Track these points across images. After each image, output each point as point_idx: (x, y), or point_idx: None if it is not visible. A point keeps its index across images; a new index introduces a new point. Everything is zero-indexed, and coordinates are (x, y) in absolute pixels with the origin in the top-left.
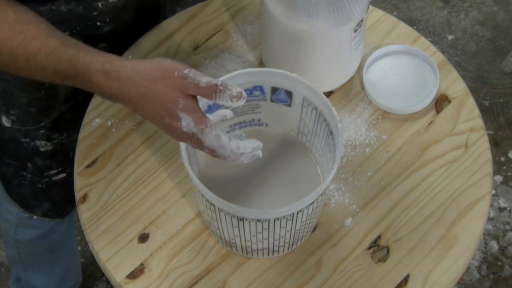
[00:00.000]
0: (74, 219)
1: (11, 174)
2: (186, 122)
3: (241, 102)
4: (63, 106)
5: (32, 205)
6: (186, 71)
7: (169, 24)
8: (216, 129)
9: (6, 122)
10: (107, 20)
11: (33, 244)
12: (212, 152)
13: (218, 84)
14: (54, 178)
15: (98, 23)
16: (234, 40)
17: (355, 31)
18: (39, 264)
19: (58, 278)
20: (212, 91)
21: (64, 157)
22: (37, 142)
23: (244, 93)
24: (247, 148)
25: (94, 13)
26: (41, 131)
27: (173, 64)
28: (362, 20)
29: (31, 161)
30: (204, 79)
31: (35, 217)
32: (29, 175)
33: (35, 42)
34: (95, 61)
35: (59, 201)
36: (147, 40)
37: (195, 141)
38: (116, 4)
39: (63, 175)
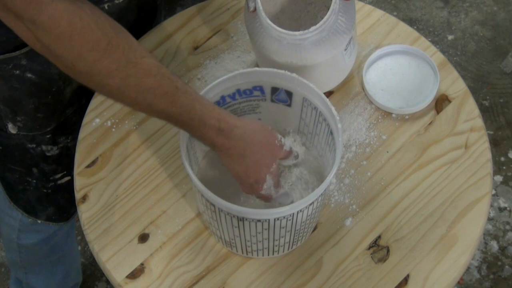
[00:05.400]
0: (75, 221)
1: (16, 180)
2: (268, 186)
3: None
4: (68, 109)
5: (37, 210)
6: (282, 140)
7: (169, 24)
8: (283, 186)
9: (12, 129)
10: None
11: (35, 248)
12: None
13: (293, 149)
14: (59, 181)
15: None
16: (234, 40)
17: (346, 49)
18: (41, 267)
19: (59, 280)
20: (289, 154)
21: (69, 160)
22: (43, 147)
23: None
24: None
25: None
26: (48, 136)
27: (273, 132)
28: (351, 37)
29: (36, 167)
30: (287, 144)
31: (39, 221)
32: (34, 181)
33: (149, 78)
34: (210, 116)
35: (64, 204)
36: (147, 40)
37: (265, 198)
38: (121, 5)
39: (68, 178)
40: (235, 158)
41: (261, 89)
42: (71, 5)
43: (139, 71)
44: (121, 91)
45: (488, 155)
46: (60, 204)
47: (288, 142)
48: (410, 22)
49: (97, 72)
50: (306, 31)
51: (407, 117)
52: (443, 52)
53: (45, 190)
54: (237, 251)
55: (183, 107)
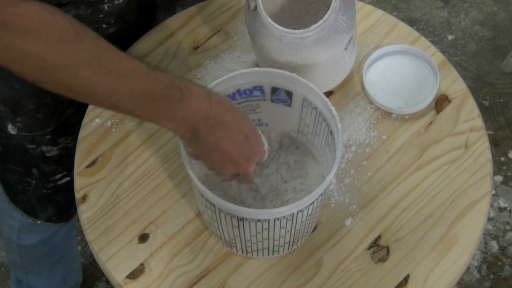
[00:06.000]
0: (75, 221)
1: (16, 180)
2: (263, 141)
3: None
4: (68, 110)
5: (37, 211)
6: None
7: (169, 24)
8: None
9: (12, 130)
10: (112, 22)
11: (35, 248)
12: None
13: None
14: (59, 182)
15: (104, 25)
16: (234, 40)
17: (346, 48)
18: (41, 267)
19: (59, 280)
20: None
21: (69, 160)
22: (43, 148)
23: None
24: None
25: (101, 16)
26: (48, 136)
27: None
28: (351, 37)
29: (36, 167)
30: None
31: (39, 222)
32: (34, 181)
33: (124, 62)
34: (196, 85)
35: (64, 205)
36: (147, 40)
37: (257, 164)
38: (120, 5)
39: (67, 178)
40: (230, 121)
41: (261, 89)
42: (39, 4)
43: (112, 57)
44: (95, 81)
45: (488, 155)
46: (60, 205)
47: None
48: (410, 22)
49: (69, 62)
50: (307, 29)
51: (407, 117)
52: (443, 52)
53: (44, 191)
54: (237, 251)
55: (166, 81)
